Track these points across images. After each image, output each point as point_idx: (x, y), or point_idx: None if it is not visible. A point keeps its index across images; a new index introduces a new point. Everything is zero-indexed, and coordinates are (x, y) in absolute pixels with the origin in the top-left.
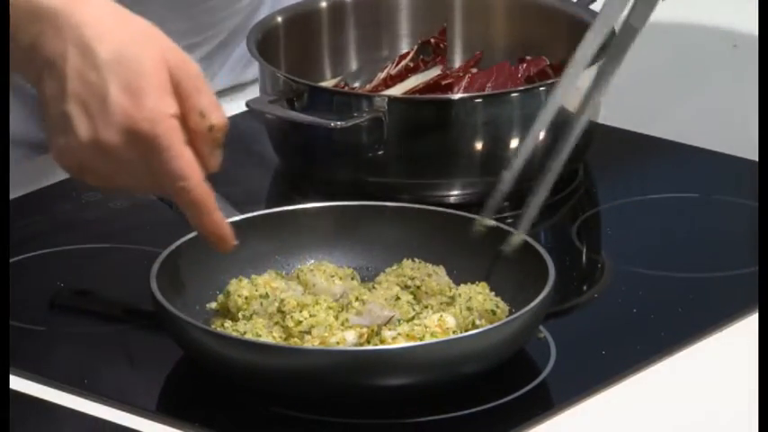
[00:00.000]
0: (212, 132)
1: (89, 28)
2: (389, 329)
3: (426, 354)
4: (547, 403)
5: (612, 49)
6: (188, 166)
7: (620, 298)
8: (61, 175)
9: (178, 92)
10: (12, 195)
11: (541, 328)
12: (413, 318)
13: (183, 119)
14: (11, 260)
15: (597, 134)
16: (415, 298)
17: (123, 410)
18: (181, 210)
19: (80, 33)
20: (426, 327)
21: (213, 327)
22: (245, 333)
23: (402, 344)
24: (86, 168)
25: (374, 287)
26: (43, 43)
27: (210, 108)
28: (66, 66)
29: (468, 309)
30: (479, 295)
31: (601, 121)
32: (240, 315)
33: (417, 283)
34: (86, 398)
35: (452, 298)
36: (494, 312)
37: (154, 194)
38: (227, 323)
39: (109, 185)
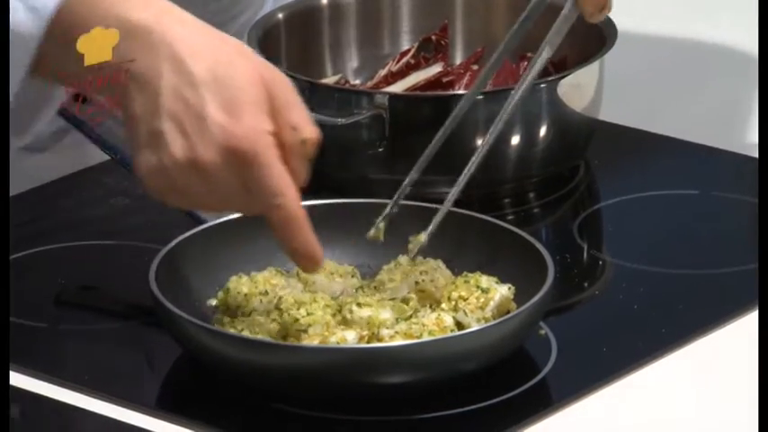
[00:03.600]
0: (304, 146)
1: (183, 46)
2: (387, 328)
3: (424, 351)
4: (547, 400)
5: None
6: (285, 182)
7: (620, 295)
8: (62, 173)
9: (272, 107)
10: (13, 192)
11: (542, 324)
12: (410, 316)
13: (277, 134)
14: (13, 257)
15: (598, 131)
16: (424, 293)
17: (124, 407)
18: (270, 227)
19: (174, 50)
20: (424, 325)
21: (213, 324)
22: (242, 330)
23: (399, 341)
24: (176, 189)
25: (375, 287)
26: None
27: (303, 122)
28: (161, 82)
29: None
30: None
31: (601, 117)
32: (240, 312)
33: (431, 277)
34: (88, 394)
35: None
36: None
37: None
38: (227, 320)
39: (195, 207)
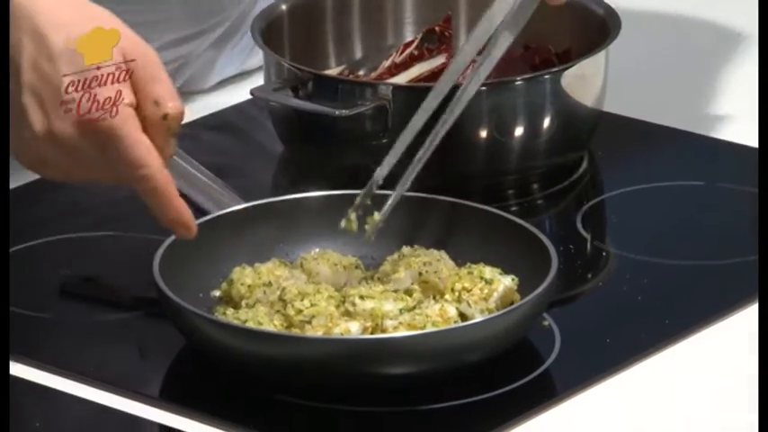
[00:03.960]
0: (167, 122)
1: (43, 16)
2: (391, 319)
3: (428, 343)
4: (551, 391)
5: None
6: (147, 153)
7: (624, 286)
8: None
9: (133, 80)
10: (17, 183)
11: (546, 315)
12: (414, 307)
13: (139, 108)
14: (16, 248)
15: (602, 122)
16: (428, 284)
17: (127, 397)
18: (142, 198)
19: (35, 22)
20: (428, 316)
21: (216, 314)
22: (246, 321)
23: (403, 333)
24: (44, 162)
25: (379, 278)
26: None
27: (165, 97)
28: (22, 57)
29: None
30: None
31: (605, 108)
32: (243, 303)
33: (434, 268)
34: (90, 385)
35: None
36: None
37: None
38: (230, 311)
39: (69, 179)
